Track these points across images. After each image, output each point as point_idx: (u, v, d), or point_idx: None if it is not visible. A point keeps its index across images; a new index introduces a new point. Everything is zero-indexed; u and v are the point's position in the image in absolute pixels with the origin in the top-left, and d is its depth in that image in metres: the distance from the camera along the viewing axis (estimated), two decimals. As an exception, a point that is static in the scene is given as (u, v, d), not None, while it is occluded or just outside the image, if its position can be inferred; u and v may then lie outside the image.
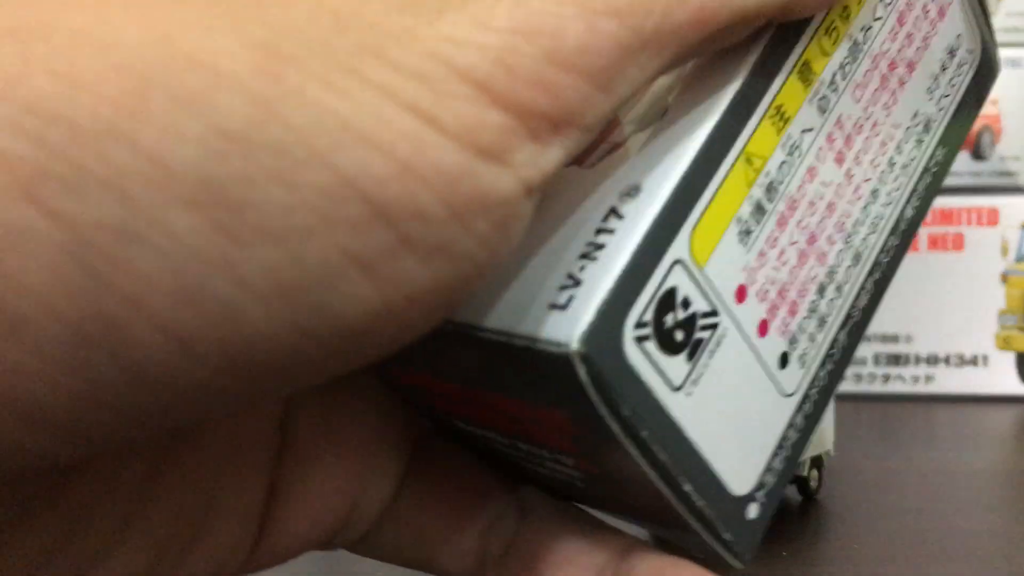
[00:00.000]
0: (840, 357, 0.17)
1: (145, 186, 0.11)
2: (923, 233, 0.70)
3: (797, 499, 0.47)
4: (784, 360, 0.16)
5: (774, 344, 0.16)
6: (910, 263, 0.69)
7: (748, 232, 0.15)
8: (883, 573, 0.39)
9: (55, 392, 0.11)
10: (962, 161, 0.72)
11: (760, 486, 0.16)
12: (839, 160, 0.16)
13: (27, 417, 0.11)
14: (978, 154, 0.72)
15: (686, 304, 0.14)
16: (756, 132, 0.15)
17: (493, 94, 0.13)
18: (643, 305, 0.14)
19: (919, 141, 0.18)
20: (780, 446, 0.17)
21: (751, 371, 0.16)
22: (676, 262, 0.14)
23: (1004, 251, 0.69)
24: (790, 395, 0.16)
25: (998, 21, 0.72)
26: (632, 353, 0.14)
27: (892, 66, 0.17)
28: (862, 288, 0.17)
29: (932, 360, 0.69)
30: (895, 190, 0.18)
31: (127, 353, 0.11)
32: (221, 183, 0.11)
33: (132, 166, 0.11)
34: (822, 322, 0.17)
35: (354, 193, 0.12)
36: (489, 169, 0.13)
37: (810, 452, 0.47)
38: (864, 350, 0.69)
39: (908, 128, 0.18)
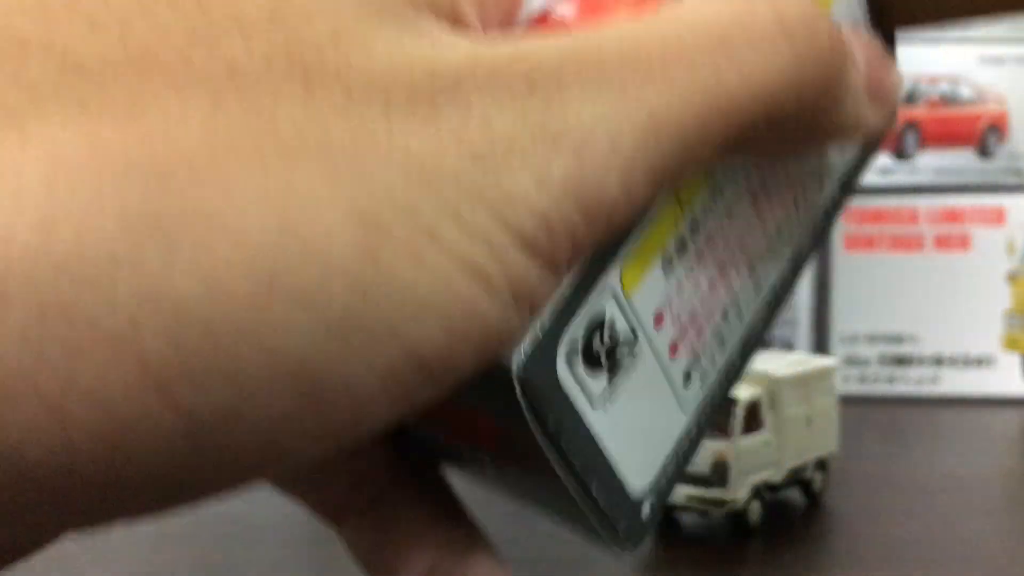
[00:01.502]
0: (733, 375, 0.19)
1: (259, 377, 0.12)
2: (929, 233, 0.69)
3: (801, 502, 0.47)
4: (687, 378, 0.18)
5: (680, 364, 0.18)
6: (915, 263, 0.69)
7: (671, 264, 0.17)
8: (887, 575, 0.39)
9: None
10: (968, 159, 0.71)
11: (654, 489, 0.18)
12: (755, 203, 0.19)
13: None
14: (984, 152, 0.72)
15: (612, 329, 0.16)
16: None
17: (537, 254, 0.14)
18: (576, 331, 0.16)
19: (821, 184, 0.21)
20: (674, 454, 0.18)
21: (660, 388, 0.17)
22: (608, 292, 0.16)
23: (1010, 251, 0.68)
24: (688, 410, 0.18)
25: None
26: (563, 373, 0.16)
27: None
28: (758, 313, 0.20)
29: (937, 361, 0.69)
30: (796, 225, 0.20)
31: (207, 495, 0.14)
32: (319, 368, 0.13)
33: (252, 361, 0.12)
34: (723, 343, 0.19)
35: (415, 361, 0.13)
36: (517, 315, 0.14)
37: (814, 454, 0.47)
38: (869, 351, 0.69)
39: (814, 171, 0.20)
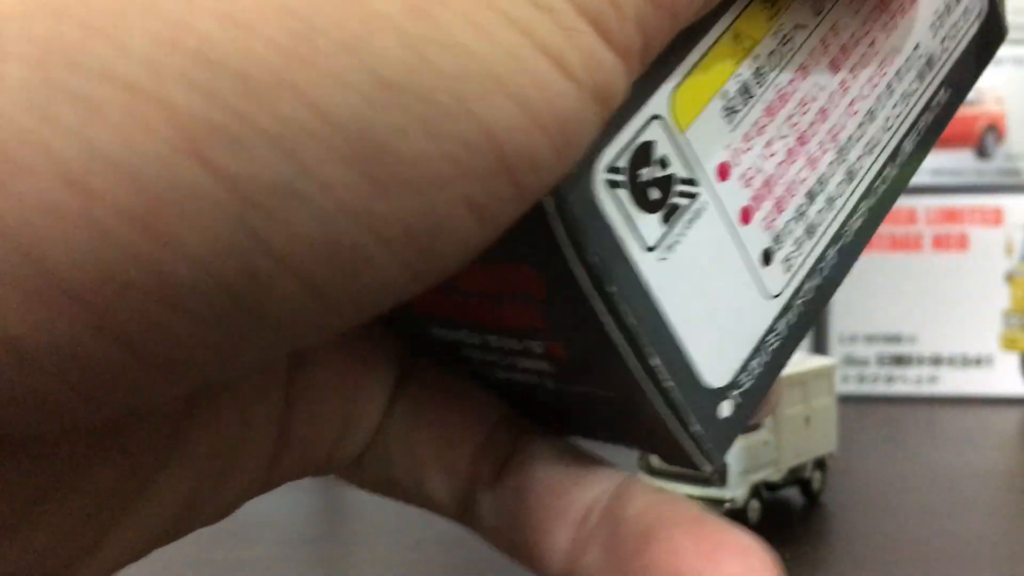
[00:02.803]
0: (829, 275, 0.16)
1: (310, 141, 0.10)
2: (927, 233, 0.70)
3: (800, 501, 0.47)
4: (767, 257, 0.15)
5: (757, 237, 0.15)
6: (913, 263, 0.69)
7: (734, 110, 0.15)
8: (887, 575, 0.39)
9: (196, 347, 0.11)
10: (966, 160, 0.71)
11: (736, 384, 0.15)
12: (833, 67, 0.16)
13: (166, 368, 0.11)
14: (982, 153, 0.72)
15: (664, 163, 0.14)
16: (747, 9, 0.15)
17: (607, 34, 0.12)
18: (617, 150, 0.13)
19: (921, 75, 0.18)
20: (759, 348, 0.15)
21: (731, 258, 0.15)
22: (655, 117, 0.14)
23: (1009, 251, 0.68)
24: (773, 297, 0.15)
25: (1003, 19, 0.71)
26: (603, 197, 0.13)
27: None
28: (855, 209, 0.17)
29: (936, 361, 0.69)
30: (894, 116, 0.17)
31: (267, 306, 0.11)
32: (378, 135, 0.11)
33: (299, 120, 0.10)
34: (811, 231, 0.16)
35: (491, 146, 0.11)
36: (596, 111, 0.12)
37: (813, 454, 0.47)
38: (867, 351, 0.69)
39: (909, 57, 0.17)
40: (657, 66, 0.13)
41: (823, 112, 0.16)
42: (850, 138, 0.16)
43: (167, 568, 0.42)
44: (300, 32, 0.10)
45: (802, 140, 0.16)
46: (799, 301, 0.16)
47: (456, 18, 0.11)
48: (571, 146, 0.12)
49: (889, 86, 0.17)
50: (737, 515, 0.43)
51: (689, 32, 0.14)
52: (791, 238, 0.16)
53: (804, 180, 0.16)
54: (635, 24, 0.13)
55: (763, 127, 0.15)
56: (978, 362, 0.68)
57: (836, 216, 0.16)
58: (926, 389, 0.68)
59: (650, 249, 0.14)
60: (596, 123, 0.12)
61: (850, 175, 0.17)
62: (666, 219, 0.14)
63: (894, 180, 0.17)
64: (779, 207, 0.15)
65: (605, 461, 0.18)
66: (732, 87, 0.15)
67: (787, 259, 0.16)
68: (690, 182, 0.14)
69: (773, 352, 0.15)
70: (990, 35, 0.19)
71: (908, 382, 0.68)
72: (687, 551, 0.15)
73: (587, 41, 0.12)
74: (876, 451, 0.56)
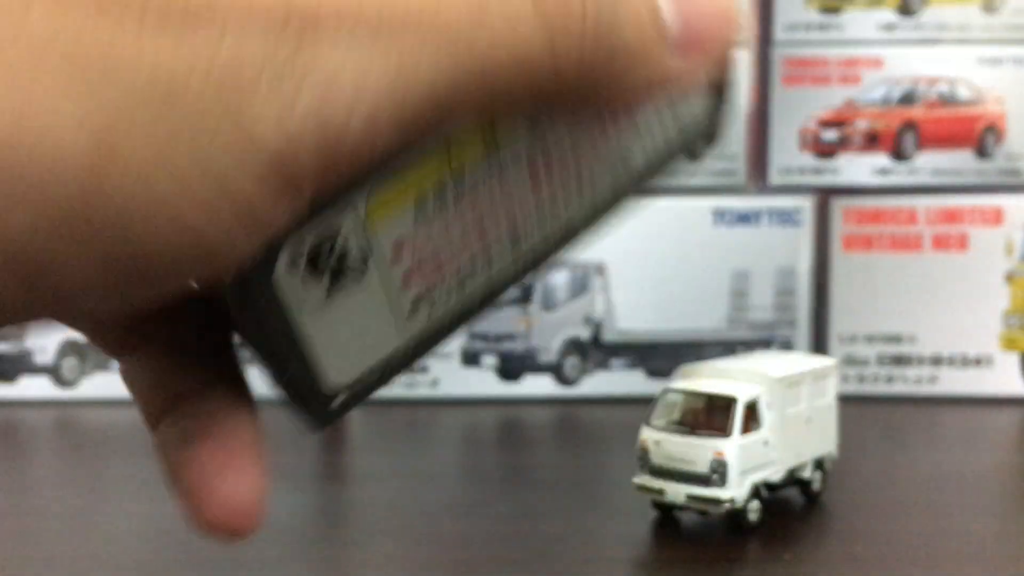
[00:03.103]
0: (466, 316, 0.21)
1: None
2: (927, 233, 0.70)
3: (800, 501, 0.47)
4: (415, 307, 0.20)
5: (411, 294, 0.19)
6: (914, 263, 0.69)
7: (425, 205, 0.18)
8: (886, 574, 0.39)
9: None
10: (966, 160, 0.71)
11: (349, 388, 0.19)
12: (532, 168, 0.20)
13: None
14: (982, 153, 0.72)
15: (343, 247, 0.18)
16: (463, 134, 0.18)
17: (267, 179, 0.15)
18: (304, 240, 0.17)
19: (615, 176, 0.22)
20: (381, 366, 0.20)
21: (381, 309, 0.19)
22: (349, 213, 0.17)
23: (1009, 251, 0.68)
24: (406, 334, 0.20)
25: (1003, 19, 0.71)
26: (280, 274, 0.17)
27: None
28: (507, 268, 0.21)
29: (936, 361, 0.69)
30: (577, 198, 0.21)
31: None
32: (34, 256, 0.14)
33: None
34: (462, 286, 0.20)
35: (127, 265, 0.15)
36: (241, 233, 0.15)
37: (813, 454, 0.47)
38: (867, 351, 0.69)
39: (610, 164, 0.21)
40: (359, 174, 0.17)
41: (507, 201, 0.20)
42: (525, 218, 0.20)
43: (167, 568, 0.42)
44: None
45: (479, 224, 0.20)
46: (432, 330, 0.20)
47: (127, 170, 0.14)
48: (215, 262, 0.15)
49: (582, 173, 0.21)
50: (737, 515, 0.43)
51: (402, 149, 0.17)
52: (442, 292, 0.20)
53: (471, 251, 0.20)
54: (303, 169, 0.15)
55: (447, 215, 0.19)
56: (978, 362, 0.68)
57: (491, 274, 0.21)
58: (926, 389, 0.68)
59: (307, 307, 0.18)
60: (244, 241, 0.15)
61: (515, 245, 0.21)
62: (332, 286, 0.18)
63: (556, 244, 0.21)
64: (439, 272, 0.19)
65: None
66: (430, 189, 0.18)
67: (432, 307, 0.20)
68: (362, 260, 0.18)
69: (392, 367, 0.20)
70: (705, 140, 0.23)
71: (908, 382, 0.68)
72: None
73: (244, 188, 0.15)
74: (876, 451, 0.56)
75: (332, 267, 0.18)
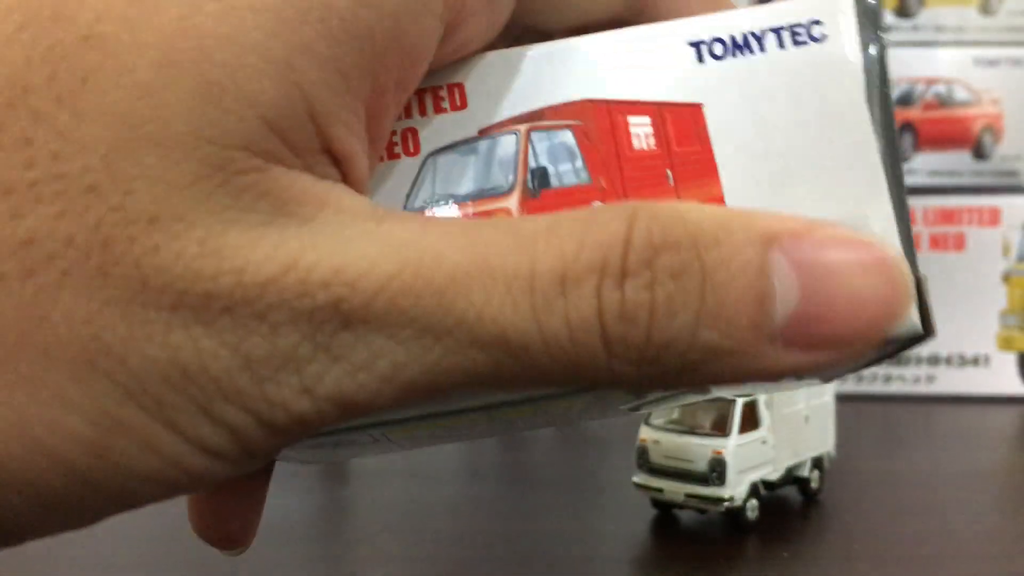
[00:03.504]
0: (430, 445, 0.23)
1: None
2: (924, 233, 0.70)
3: (798, 500, 0.47)
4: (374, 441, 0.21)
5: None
6: (911, 263, 0.69)
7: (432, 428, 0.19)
8: (884, 573, 0.39)
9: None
10: (963, 161, 0.72)
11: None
12: (494, 413, 0.20)
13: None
14: (979, 154, 0.72)
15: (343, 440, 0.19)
16: None
17: (281, 433, 0.15)
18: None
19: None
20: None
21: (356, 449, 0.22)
22: (368, 435, 0.19)
23: (1005, 251, 0.69)
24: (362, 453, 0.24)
25: (1000, 21, 0.71)
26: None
27: None
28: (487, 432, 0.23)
29: (933, 360, 0.69)
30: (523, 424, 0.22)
31: None
32: (23, 530, 0.15)
33: None
34: (433, 440, 0.22)
35: (121, 510, 0.15)
36: (241, 467, 0.15)
37: (811, 453, 0.47)
38: (865, 350, 0.69)
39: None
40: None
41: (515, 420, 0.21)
42: (526, 423, 0.22)
43: (167, 567, 0.42)
44: None
45: (467, 429, 0.21)
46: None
47: (131, 446, 0.14)
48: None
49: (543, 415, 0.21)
50: (736, 514, 0.43)
51: None
52: (411, 443, 0.22)
53: (450, 435, 0.22)
54: (319, 424, 0.15)
55: (441, 430, 0.20)
56: (975, 362, 0.68)
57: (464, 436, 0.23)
58: (923, 388, 0.68)
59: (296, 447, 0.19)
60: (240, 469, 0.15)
61: (507, 425, 0.22)
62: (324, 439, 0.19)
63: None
64: (416, 441, 0.21)
65: None
66: (435, 425, 0.19)
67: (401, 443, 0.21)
68: (368, 442, 0.20)
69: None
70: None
71: (906, 381, 0.69)
72: None
73: (257, 439, 0.15)
74: (874, 450, 0.56)
75: (336, 445, 0.19)
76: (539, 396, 0.18)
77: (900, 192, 0.17)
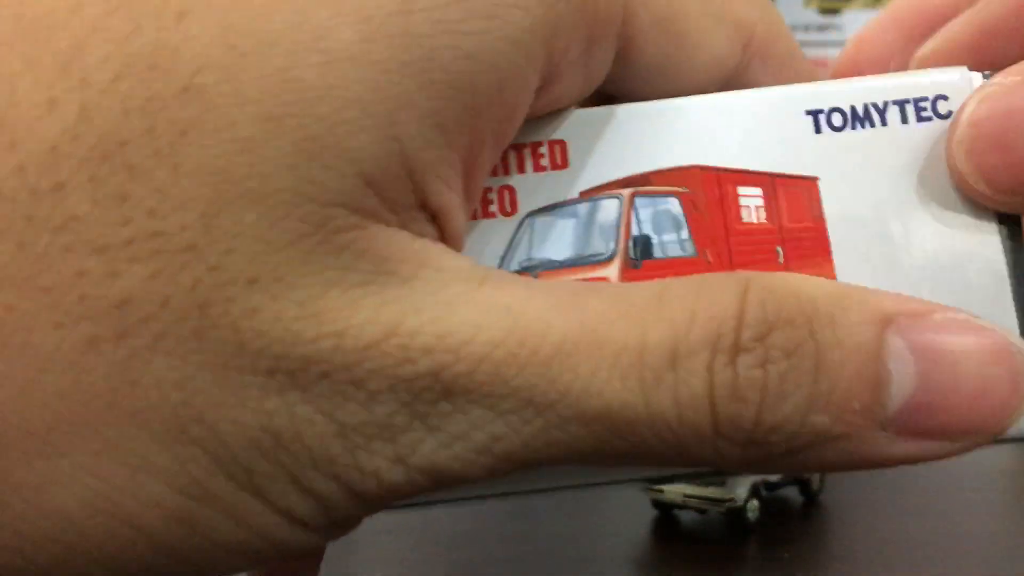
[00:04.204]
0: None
1: None
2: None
3: (799, 500, 0.47)
4: None
5: None
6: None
7: None
8: (885, 574, 0.39)
9: None
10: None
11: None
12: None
13: None
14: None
15: None
16: None
17: (369, 501, 0.15)
18: None
19: None
20: None
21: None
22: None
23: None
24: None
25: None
26: None
27: None
28: None
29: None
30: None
31: None
32: None
33: None
34: None
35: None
36: (325, 537, 0.15)
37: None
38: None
39: None
40: None
41: None
42: None
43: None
44: (61, 554, 0.13)
45: None
46: None
47: (218, 516, 0.14)
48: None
49: None
50: (736, 514, 0.43)
51: None
52: None
53: None
54: (409, 492, 0.15)
55: None
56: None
57: None
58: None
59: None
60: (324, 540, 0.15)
61: None
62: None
63: None
64: None
65: None
66: None
67: None
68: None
69: None
70: None
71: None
72: None
73: (343, 508, 0.14)
74: (875, 451, 0.56)
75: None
76: (635, 478, 0.17)
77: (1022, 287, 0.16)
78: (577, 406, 0.14)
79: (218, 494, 0.13)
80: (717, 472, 0.16)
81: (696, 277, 0.15)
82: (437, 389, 0.14)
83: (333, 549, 0.47)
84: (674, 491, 0.43)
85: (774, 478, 0.45)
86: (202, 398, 0.13)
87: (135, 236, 0.13)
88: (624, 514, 0.45)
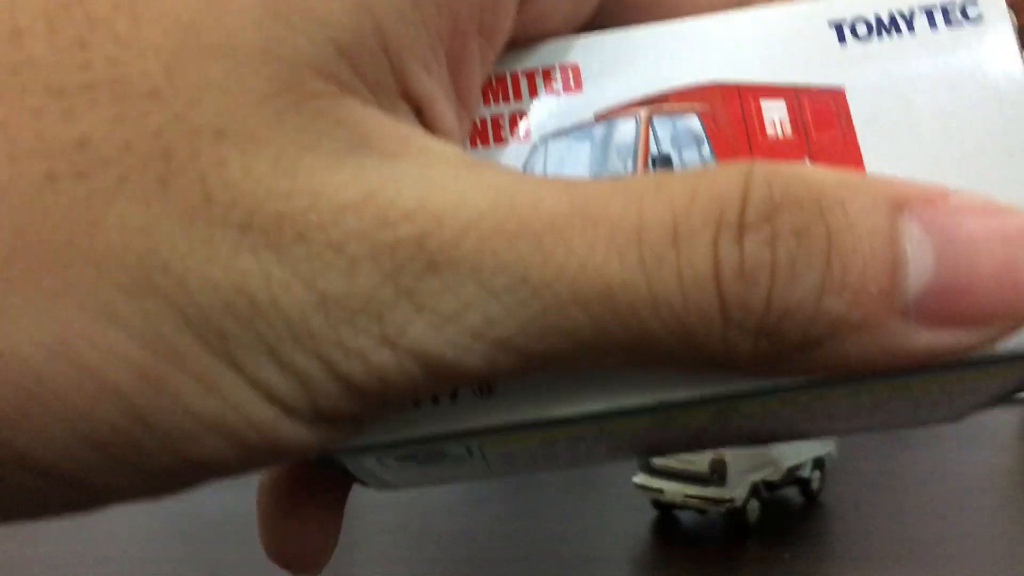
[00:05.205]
0: (517, 473, 0.21)
1: (11, 475, 0.13)
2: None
3: (799, 500, 0.47)
4: (490, 466, 0.19)
5: (492, 464, 0.19)
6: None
7: (541, 445, 0.17)
8: (885, 574, 0.39)
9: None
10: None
11: (411, 483, 0.20)
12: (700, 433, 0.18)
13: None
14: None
15: (446, 455, 0.17)
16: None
17: (361, 392, 0.13)
18: (410, 451, 0.16)
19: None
20: (451, 478, 0.20)
21: (466, 468, 0.19)
22: (463, 443, 0.16)
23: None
24: (486, 472, 0.20)
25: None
26: (367, 464, 0.17)
27: None
28: (626, 453, 0.20)
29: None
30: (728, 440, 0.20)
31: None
32: (76, 475, 0.13)
33: (14, 473, 0.13)
34: (560, 461, 0.19)
35: (190, 468, 0.13)
36: (319, 432, 0.14)
37: (812, 453, 0.47)
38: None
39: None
40: (488, 411, 0.16)
41: (652, 440, 0.18)
42: (670, 444, 0.19)
43: (166, 567, 0.42)
44: (18, 404, 0.12)
45: (605, 451, 0.19)
46: (486, 468, 0.20)
47: (189, 381, 0.13)
48: (289, 453, 0.14)
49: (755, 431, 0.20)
50: (736, 514, 0.43)
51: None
52: (516, 468, 0.20)
53: (586, 456, 0.19)
54: (404, 387, 0.13)
55: (574, 448, 0.18)
56: (977, 362, 0.68)
57: (559, 463, 0.20)
58: (925, 389, 0.68)
59: (391, 471, 0.17)
60: (319, 438, 0.14)
61: (644, 448, 0.20)
62: (422, 463, 0.17)
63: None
64: (525, 463, 0.19)
65: None
66: (562, 439, 0.17)
67: (525, 463, 0.19)
68: (465, 456, 0.17)
69: (466, 476, 0.20)
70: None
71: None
72: None
73: (330, 395, 0.13)
74: (875, 451, 0.56)
75: (424, 460, 0.17)
76: (657, 405, 0.16)
77: None
78: (575, 286, 0.13)
79: (187, 355, 0.12)
80: (742, 395, 0.15)
81: (697, 168, 0.14)
82: (421, 260, 0.13)
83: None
84: (674, 491, 0.43)
85: (774, 478, 0.45)
86: (169, 248, 0.12)
87: (95, 81, 0.12)
88: (624, 514, 0.46)
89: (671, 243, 0.13)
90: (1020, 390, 0.17)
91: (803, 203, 0.13)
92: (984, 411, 0.19)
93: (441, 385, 0.14)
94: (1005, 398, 0.18)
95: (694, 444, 0.19)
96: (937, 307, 0.13)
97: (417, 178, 0.13)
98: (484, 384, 0.15)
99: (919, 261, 0.13)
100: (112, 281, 0.12)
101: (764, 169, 0.13)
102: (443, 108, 0.15)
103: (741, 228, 0.13)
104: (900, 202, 0.13)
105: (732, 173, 0.13)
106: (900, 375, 0.15)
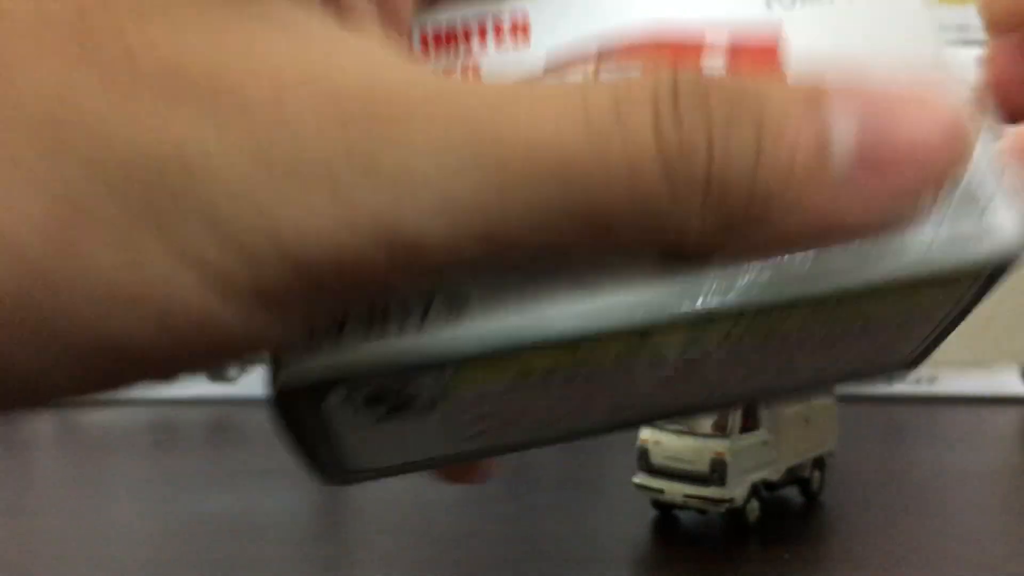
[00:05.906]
0: (519, 449, 0.20)
1: None
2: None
3: (799, 500, 0.47)
4: (473, 437, 0.19)
5: (474, 430, 0.18)
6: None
7: (521, 383, 0.17)
8: (885, 574, 0.39)
9: None
10: (965, 160, 0.72)
11: (377, 473, 0.19)
12: (663, 382, 0.18)
13: None
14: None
15: (414, 394, 0.16)
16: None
17: (306, 268, 0.13)
18: (373, 384, 0.16)
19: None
20: (421, 464, 0.20)
21: (436, 434, 0.18)
22: (433, 376, 0.16)
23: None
24: (454, 448, 0.19)
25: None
26: (332, 402, 0.16)
27: None
28: (573, 431, 0.20)
29: (935, 361, 0.69)
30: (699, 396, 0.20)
31: None
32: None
33: None
34: (523, 430, 0.19)
35: (111, 352, 0.12)
36: (266, 319, 0.13)
37: (812, 453, 0.47)
38: (867, 350, 0.69)
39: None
40: (461, 341, 0.15)
41: (607, 394, 0.18)
42: (613, 410, 0.19)
43: (167, 566, 0.42)
44: None
45: (565, 407, 0.18)
46: (482, 450, 0.20)
47: (105, 245, 0.12)
48: (233, 345, 0.13)
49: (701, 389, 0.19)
50: (736, 514, 0.43)
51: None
52: (505, 434, 0.19)
53: (550, 416, 0.18)
54: (364, 269, 0.13)
55: (546, 395, 0.17)
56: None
57: (557, 430, 0.20)
58: (925, 389, 0.68)
59: (356, 427, 0.17)
60: (270, 328, 0.13)
61: (591, 424, 0.19)
62: (390, 415, 0.16)
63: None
64: (510, 424, 0.18)
65: None
66: (537, 373, 0.16)
67: (490, 439, 0.19)
68: (432, 404, 0.16)
69: (434, 464, 0.20)
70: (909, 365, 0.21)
71: (907, 382, 0.68)
72: None
73: (277, 275, 0.12)
74: (875, 451, 0.56)
75: (393, 405, 0.16)
76: (626, 326, 0.15)
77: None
78: (532, 156, 0.13)
79: (104, 219, 0.12)
80: (709, 316, 0.16)
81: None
82: (368, 125, 0.12)
83: (333, 549, 0.47)
84: (674, 491, 0.43)
85: (775, 479, 0.45)
86: (87, 102, 0.12)
87: None
88: (624, 514, 0.46)
89: (615, 118, 0.13)
90: (968, 311, 0.18)
91: (728, 92, 0.14)
92: (937, 347, 0.20)
93: (397, 269, 0.13)
94: (954, 325, 0.19)
95: (668, 396, 0.19)
96: (865, 175, 0.14)
97: (364, 58, 0.13)
98: (449, 284, 0.15)
99: (842, 132, 0.14)
100: (20, 131, 0.12)
101: (686, 69, 0.14)
102: (369, 19, 0.15)
103: (676, 106, 0.14)
104: (820, 86, 0.14)
105: (662, 71, 0.14)
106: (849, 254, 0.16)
